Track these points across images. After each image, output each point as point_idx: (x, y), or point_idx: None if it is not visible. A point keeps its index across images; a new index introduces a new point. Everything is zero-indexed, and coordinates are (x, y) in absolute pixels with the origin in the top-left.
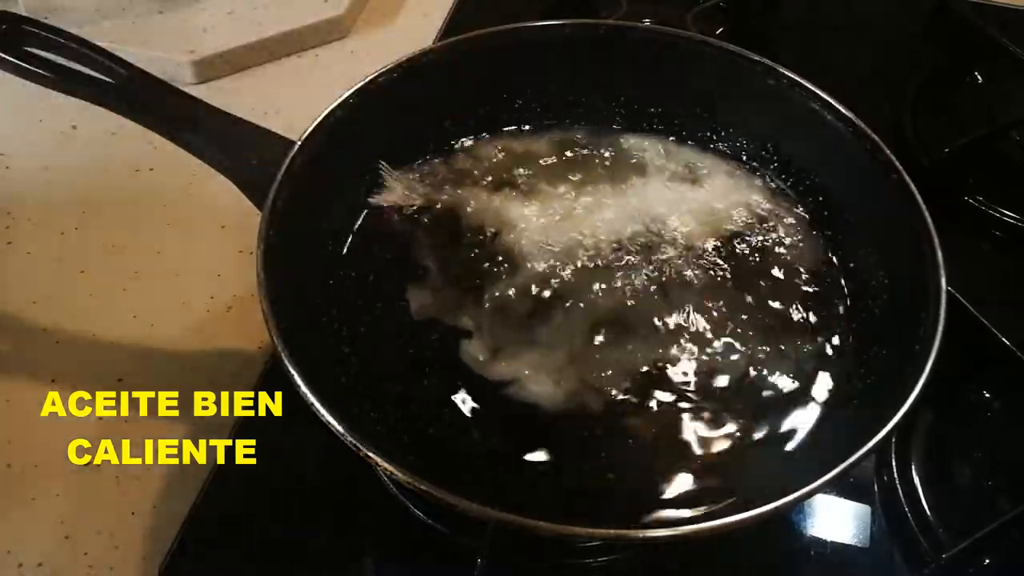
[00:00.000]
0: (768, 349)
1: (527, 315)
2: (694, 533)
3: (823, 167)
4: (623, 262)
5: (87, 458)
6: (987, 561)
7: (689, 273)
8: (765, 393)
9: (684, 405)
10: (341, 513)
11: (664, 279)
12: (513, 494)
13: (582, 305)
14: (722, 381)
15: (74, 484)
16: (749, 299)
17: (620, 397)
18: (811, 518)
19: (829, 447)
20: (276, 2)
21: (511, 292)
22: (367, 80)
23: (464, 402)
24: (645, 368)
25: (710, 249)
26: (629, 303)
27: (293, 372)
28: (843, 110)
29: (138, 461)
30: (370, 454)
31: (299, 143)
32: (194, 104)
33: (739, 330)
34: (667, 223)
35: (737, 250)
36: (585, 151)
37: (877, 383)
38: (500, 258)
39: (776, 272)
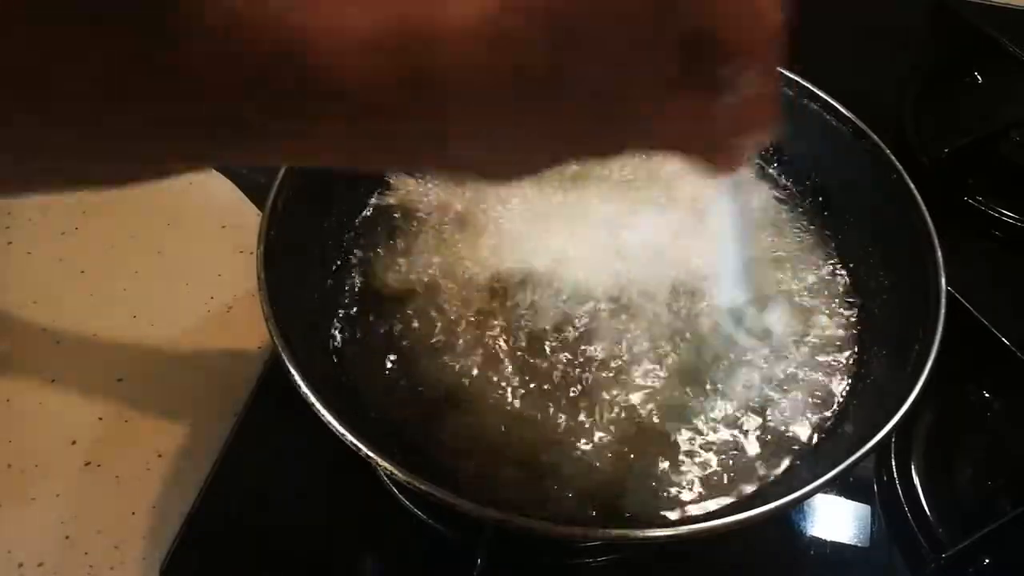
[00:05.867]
0: (768, 350)
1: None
2: (694, 533)
3: (823, 167)
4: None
5: (87, 458)
6: (987, 561)
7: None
8: (765, 394)
9: (683, 405)
10: (341, 513)
11: (662, 278)
12: (514, 494)
13: (578, 303)
14: (722, 382)
15: (74, 484)
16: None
17: (618, 394)
18: (811, 518)
19: (829, 447)
20: None
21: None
22: None
23: (464, 401)
24: (641, 366)
25: (709, 249)
26: (632, 297)
27: (293, 372)
28: (843, 110)
29: (138, 461)
30: (370, 454)
31: None
32: None
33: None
34: (667, 223)
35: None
36: None
37: (877, 383)
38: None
39: (775, 273)
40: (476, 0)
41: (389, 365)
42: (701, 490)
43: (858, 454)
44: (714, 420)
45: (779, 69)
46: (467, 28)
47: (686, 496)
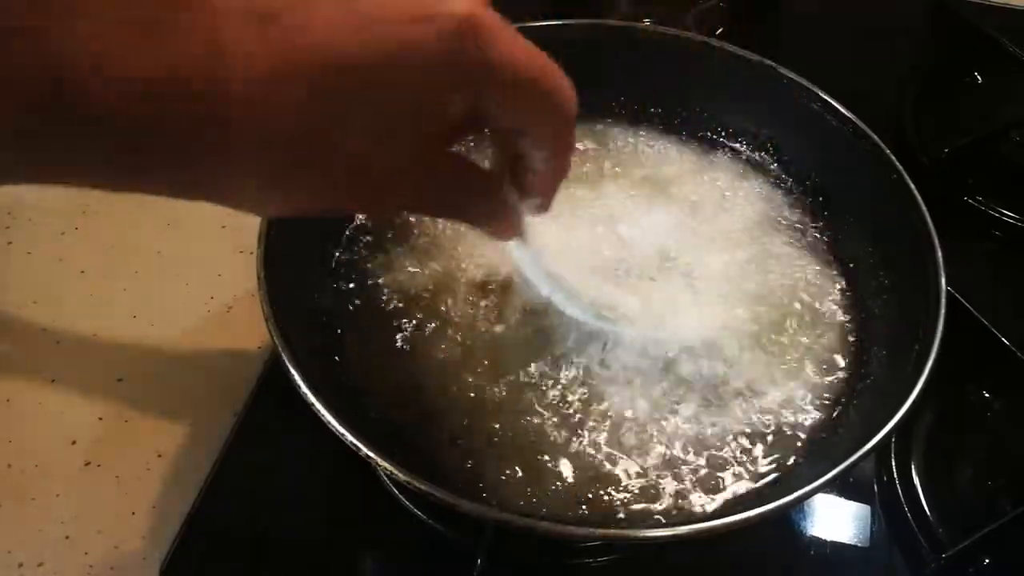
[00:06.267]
0: (768, 349)
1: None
2: (694, 533)
3: (823, 167)
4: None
5: (87, 458)
6: (987, 561)
7: (682, 273)
8: (765, 393)
9: (683, 405)
10: (341, 513)
11: (661, 278)
12: (514, 494)
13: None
14: (723, 380)
15: (74, 484)
16: (749, 299)
17: (619, 396)
18: (811, 518)
19: (829, 447)
20: None
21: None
22: None
23: (465, 401)
24: (640, 367)
25: (709, 248)
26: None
27: (293, 372)
28: (843, 110)
29: (138, 461)
30: (370, 454)
31: None
32: None
33: (740, 330)
34: (667, 223)
35: (736, 250)
36: (587, 151)
37: (877, 383)
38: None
39: (775, 273)
40: (258, 61)
41: (389, 365)
42: (701, 491)
43: (858, 454)
44: (714, 422)
45: (779, 68)
46: (249, 81)
47: (686, 496)
